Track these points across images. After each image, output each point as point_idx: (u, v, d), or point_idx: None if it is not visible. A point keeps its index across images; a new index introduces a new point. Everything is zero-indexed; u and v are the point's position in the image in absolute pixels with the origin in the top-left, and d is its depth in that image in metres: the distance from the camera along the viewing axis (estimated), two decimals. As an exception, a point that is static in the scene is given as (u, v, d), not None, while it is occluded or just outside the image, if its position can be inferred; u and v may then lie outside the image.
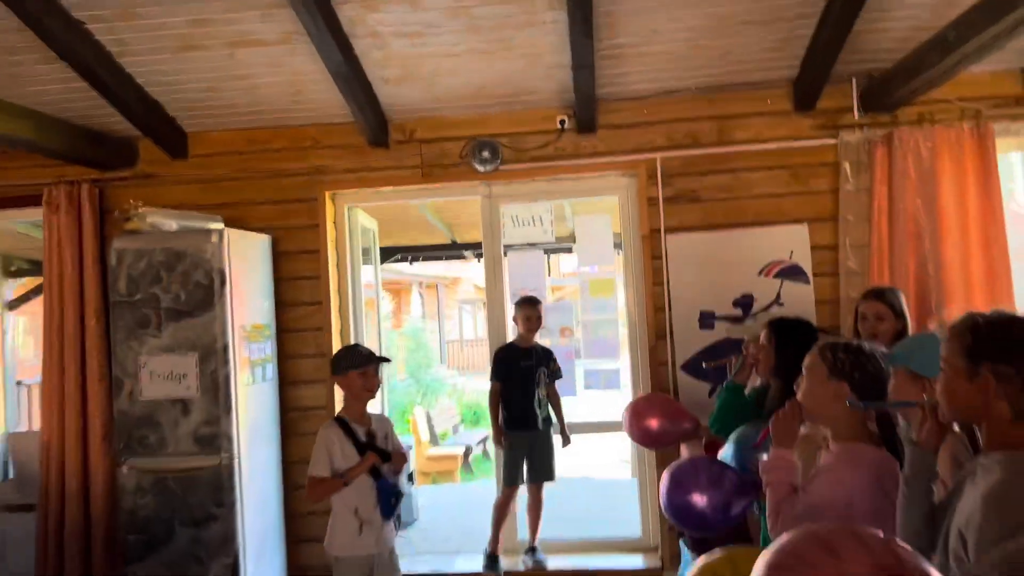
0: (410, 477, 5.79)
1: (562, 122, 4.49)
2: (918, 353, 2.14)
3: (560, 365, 4.56)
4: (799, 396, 2.24)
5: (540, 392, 4.43)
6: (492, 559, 4.36)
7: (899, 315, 3.29)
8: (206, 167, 4.66)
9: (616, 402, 6.04)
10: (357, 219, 4.92)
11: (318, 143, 4.62)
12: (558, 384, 4.58)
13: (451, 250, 8.03)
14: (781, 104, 4.40)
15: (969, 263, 4.12)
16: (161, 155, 4.64)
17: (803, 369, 2.24)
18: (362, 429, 3.21)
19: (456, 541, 5.21)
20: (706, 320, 4.38)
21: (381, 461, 3.17)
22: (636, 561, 4.44)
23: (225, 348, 3.95)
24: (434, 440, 9.45)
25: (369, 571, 3.18)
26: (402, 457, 3.29)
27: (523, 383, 4.39)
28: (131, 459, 3.96)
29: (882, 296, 3.37)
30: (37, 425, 7.02)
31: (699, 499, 2.69)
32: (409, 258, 8.22)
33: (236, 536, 3.92)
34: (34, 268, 6.74)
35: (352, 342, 4.72)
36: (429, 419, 9.68)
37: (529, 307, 4.42)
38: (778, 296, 4.36)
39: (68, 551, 4.33)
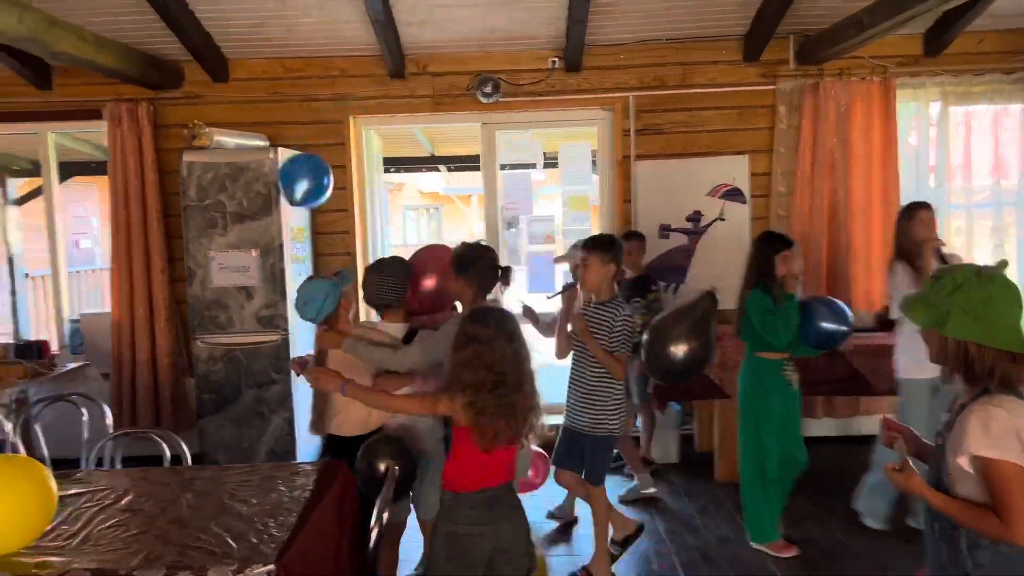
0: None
1: (553, 63, 5.37)
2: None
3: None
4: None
5: None
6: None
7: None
8: (245, 91, 5.39)
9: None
10: (371, 138, 5.75)
11: (345, 72, 5.40)
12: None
13: (429, 162, 8.84)
14: (732, 55, 5.37)
15: (870, 187, 5.27)
16: (204, 78, 5.34)
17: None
18: None
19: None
20: (663, 231, 5.45)
21: None
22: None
23: (281, 246, 4.83)
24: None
25: None
26: None
27: None
28: (203, 335, 4.87)
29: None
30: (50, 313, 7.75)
31: None
32: (392, 169, 8.98)
33: (292, 396, 4.92)
34: (35, 169, 7.29)
35: (370, 243, 5.65)
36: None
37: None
38: (721, 212, 5.45)
39: (140, 408, 5.26)
